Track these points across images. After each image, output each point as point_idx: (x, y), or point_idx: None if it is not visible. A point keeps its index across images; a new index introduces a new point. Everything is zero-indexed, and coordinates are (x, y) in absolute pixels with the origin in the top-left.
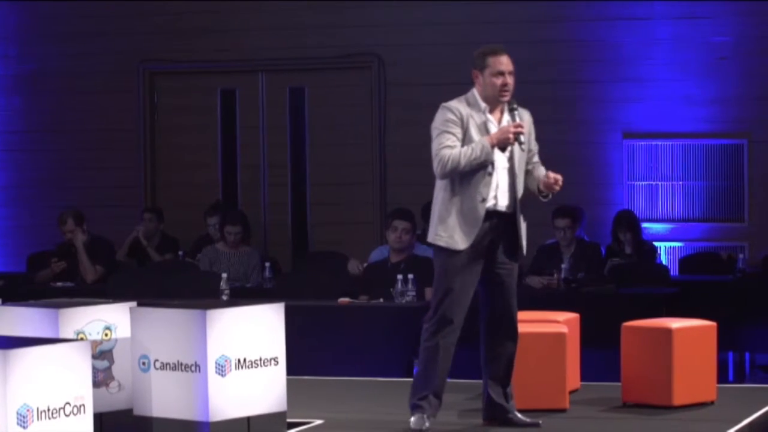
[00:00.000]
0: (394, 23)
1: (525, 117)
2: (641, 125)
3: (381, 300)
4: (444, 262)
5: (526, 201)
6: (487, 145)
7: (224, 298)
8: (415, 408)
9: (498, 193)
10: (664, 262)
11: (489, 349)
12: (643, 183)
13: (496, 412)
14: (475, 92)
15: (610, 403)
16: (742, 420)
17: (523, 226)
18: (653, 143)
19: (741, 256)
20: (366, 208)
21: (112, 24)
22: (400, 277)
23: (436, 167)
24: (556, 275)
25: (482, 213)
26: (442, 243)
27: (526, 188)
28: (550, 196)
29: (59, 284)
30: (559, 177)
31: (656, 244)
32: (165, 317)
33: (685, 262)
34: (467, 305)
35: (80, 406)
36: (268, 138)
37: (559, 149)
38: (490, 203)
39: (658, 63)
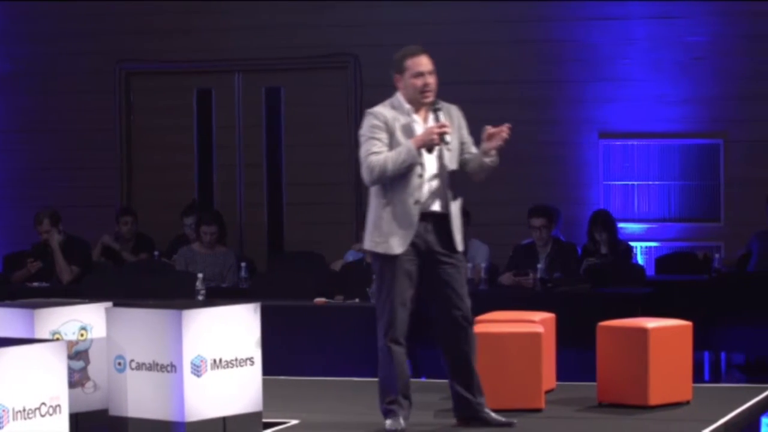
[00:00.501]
0: (371, 23)
1: (453, 113)
2: (617, 125)
3: (357, 300)
4: (382, 268)
5: (495, 200)
6: (412, 147)
7: (200, 298)
8: (387, 413)
9: (430, 195)
10: (639, 262)
11: (446, 348)
12: (619, 183)
13: (466, 409)
14: (398, 95)
15: (585, 402)
16: (717, 420)
17: (456, 224)
18: (629, 143)
19: (716, 255)
20: (342, 208)
21: (89, 24)
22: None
23: (364, 174)
24: (531, 275)
25: (416, 215)
26: (379, 249)
27: (470, 175)
28: (495, 157)
29: (35, 284)
30: (499, 128)
31: (632, 243)
32: (141, 317)
33: (661, 261)
34: (410, 305)
35: (56, 407)
36: (244, 138)
37: (534, 149)
38: (423, 205)
39: (634, 63)
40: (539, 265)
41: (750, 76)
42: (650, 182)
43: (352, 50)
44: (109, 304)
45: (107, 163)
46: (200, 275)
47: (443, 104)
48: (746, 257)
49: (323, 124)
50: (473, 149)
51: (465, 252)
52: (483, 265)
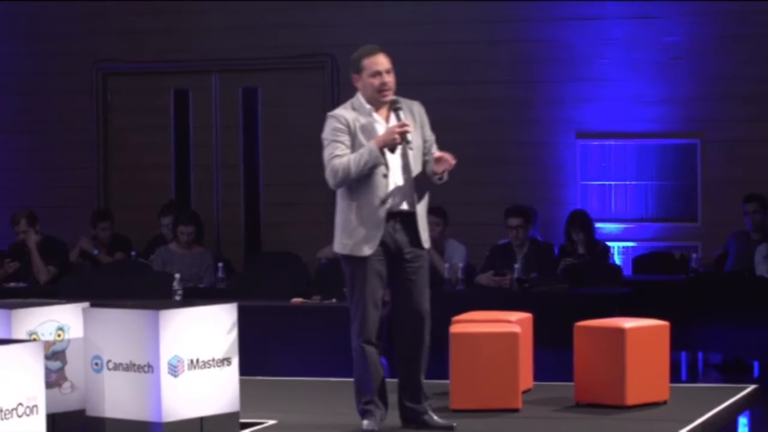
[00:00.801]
0: (347, 23)
1: (415, 109)
2: (594, 125)
3: (334, 300)
4: (352, 270)
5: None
6: (374, 148)
7: (177, 298)
8: (364, 413)
9: (396, 194)
10: (617, 262)
11: (399, 348)
12: (597, 183)
13: (409, 415)
14: (358, 96)
15: (563, 402)
16: (694, 420)
17: (423, 222)
18: (606, 143)
19: (694, 255)
20: (319, 208)
21: (66, 25)
22: None
23: (328, 178)
24: (509, 275)
25: (383, 215)
26: (348, 251)
27: (428, 175)
28: (445, 176)
29: (12, 285)
30: (445, 155)
31: (609, 244)
32: (118, 318)
33: (638, 261)
34: (380, 305)
35: (33, 407)
36: (221, 138)
37: (512, 149)
38: (389, 205)
39: (611, 63)
40: (516, 265)
41: (727, 76)
42: (627, 182)
43: (329, 50)
44: (86, 304)
45: (84, 164)
46: (177, 275)
47: (404, 101)
48: (723, 257)
49: (300, 125)
50: (434, 149)
51: (442, 252)
52: (460, 265)
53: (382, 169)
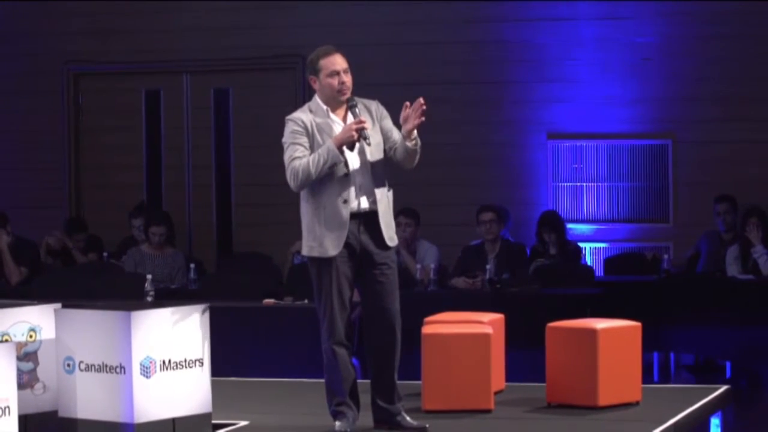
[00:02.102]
0: (318, 24)
1: (372, 107)
2: (566, 126)
3: (306, 301)
4: (318, 271)
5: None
6: (332, 147)
7: (149, 299)
8: (336, 414)
9: (359, 193)
10: (588, 263)
11: (371, 350)
12: (568, 184)
13: (382, 415)
14: (316, 97)
15: (535, 403)
16: (667, 420)
17: (386, 220)
18: (578, 144)
19: (665, 256)
20: (291, 209)
21: (36, 25)
22: None
23: (290, 180)
24: (480, 276)
25: (347, 215)
26: (314, 253)
27: (400, 163)
28: (416, 139)
29: None
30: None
31: (581, 244)
32: (90, 319)
33: (610, 262)
34: (348, 306)
35: (5, 408)
36: (192, 139)
37: (483, 150)
38: (352, 204)
39: (582, 64)
40: (488, 266)
41: (698, 77)
42: (599, 183)
43: (300, 51)
44: (58, 305)
45: (55, 164)
46: (149, 276)
47: (361, 100)
48: (695, 258)
49: (272, 125)
50: (396, 135)
51: (414, 253)
52: (432, 266)
53: (342, 168)
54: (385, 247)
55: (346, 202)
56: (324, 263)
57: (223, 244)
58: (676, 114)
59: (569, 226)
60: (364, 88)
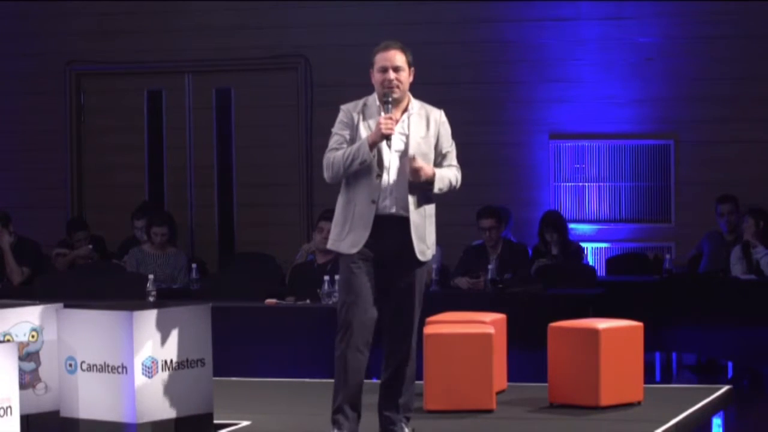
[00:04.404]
0: (320, 24)
1: (432, 116)
2: (567, 126)
3: (307, 301)
4: (344, 268)
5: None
6: (365, 143)
7: (151, 299)
8: (333, 422)
9: (389, 196)
10: (590, 263)
11: (385, 356)
12: (570, 184)
13: (383, 423)
14: (375, 93)
15: (537, 403)
16: (668, 420)
17: (419, 231)
18: (580, 144)
19: (667, 256)
20: (292, 209)
21: (39, 25)
22: (326, 278)
23: (324, 171)
24: (482, 276)
25: (372, 216)
26: (336, 248)
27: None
28: (436, 188)
29: None
30: (415, 165)
31: (583, 244)
32: (91, 319)
33: (612, 262)
34: (368, 308)
35: (7, 408)
36: (194, 139)
37: (485, 150)
38: (381, 205)
39: (585, 64)
40: (490, 266)
41: (701, 77)
42: (601, 183)
43: (302, 51)
44: (60, 305)
45: (57, 164)
46: (151, 276)
47: (425, 106)
48: (697, 258)
49: (273, 125)
50: (447, 156)
51: None
52: (434, 266)
53: (376, 170)
54: (414, 259)
55: (373, 202)
56: (345, 260)
57: (224, 244)
58: (679, 114)
59: (571, 226)
60: (365, 88)
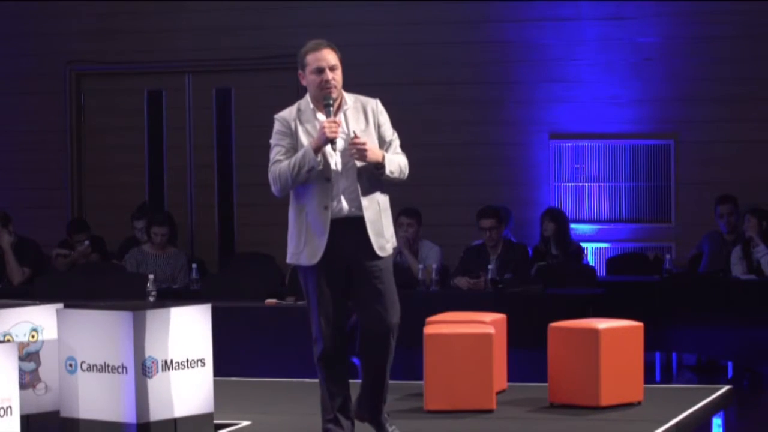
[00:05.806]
0: (320, 24)
1: (369, 108)
2: (568, 126)
3: None
4: (304, 281)
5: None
6: (309, 150)
7: (151, 299)
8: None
9: (342, 198)
10: (590, 263)
11: (365, 358)
12: (570, 184)
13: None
14: (306, 96)
15: (537, 403)
16: (669, 420)
17: (375, 227)
18: (580, 144)
19: (668, 256)
20: None
21: (39, 25)
22: None
23: (271, 185)
24: (482, 276)
25: (327, 223)
26: (296, 261)
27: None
28: (384, 169)
29: None
30: (357, 141)
31: (583, 244)
32: (92, 319)
33: (612, 262)
34: (336, 317)
35: (7, 408)
36: (194, 139)
37: (485, 150)
38: (335, 210)
39: (585, 64)
40: (490, 266)
41: (701, 77)
42: (601, 183)
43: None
44: (60, 305)
45: (57, 164)
46: (151, 276)
47: (358, 98)
48: (697, 258)
49: (273, 125)
50: (392, 149)
51: (416, 253)
52: (434, 266)
53: (324, 173)
54: (375, 256)
55: (326, 208)
56: (307, 272)
57: (225, 244)
58: (679, 114)
59: (571, 226)
60: (365, 88)
